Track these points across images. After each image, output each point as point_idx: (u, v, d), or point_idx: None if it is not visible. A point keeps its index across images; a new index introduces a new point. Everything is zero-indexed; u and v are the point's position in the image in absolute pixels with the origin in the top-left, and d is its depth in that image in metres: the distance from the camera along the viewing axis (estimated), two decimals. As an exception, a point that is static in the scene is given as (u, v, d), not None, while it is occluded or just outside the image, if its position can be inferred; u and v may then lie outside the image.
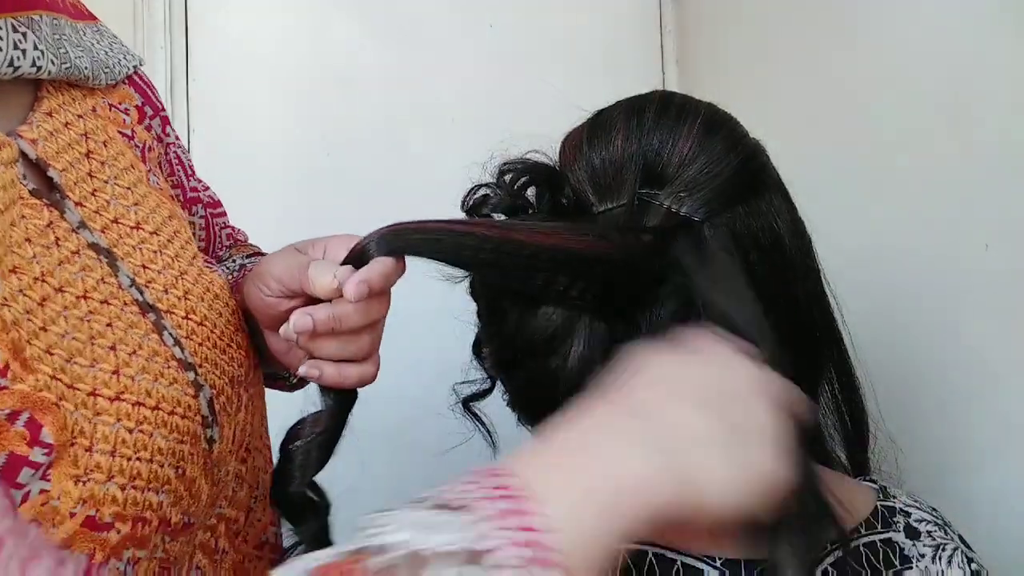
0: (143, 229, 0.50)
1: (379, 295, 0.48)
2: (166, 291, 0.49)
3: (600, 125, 0.54)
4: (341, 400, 0.51)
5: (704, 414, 0.37)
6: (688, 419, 0.36)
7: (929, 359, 0.88)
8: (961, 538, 0.55)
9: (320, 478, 0.51)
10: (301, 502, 0.50)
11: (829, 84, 1.08)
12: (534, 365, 0.50)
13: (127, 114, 0.56)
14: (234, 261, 0.67)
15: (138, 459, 0.41)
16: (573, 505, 0.33)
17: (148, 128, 0.59)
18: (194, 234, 0.64)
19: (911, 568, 0.52)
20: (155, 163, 0.58)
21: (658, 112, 0.53)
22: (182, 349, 0.47)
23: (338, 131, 1.49)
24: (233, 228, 0.73)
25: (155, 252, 0.50)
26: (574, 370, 0.49)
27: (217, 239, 0.68)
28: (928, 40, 0.90)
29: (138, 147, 0.55)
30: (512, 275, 0.48)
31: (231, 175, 1.52)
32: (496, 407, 0.56)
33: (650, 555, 0.47)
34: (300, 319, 0.47)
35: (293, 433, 0.51)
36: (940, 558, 0.53)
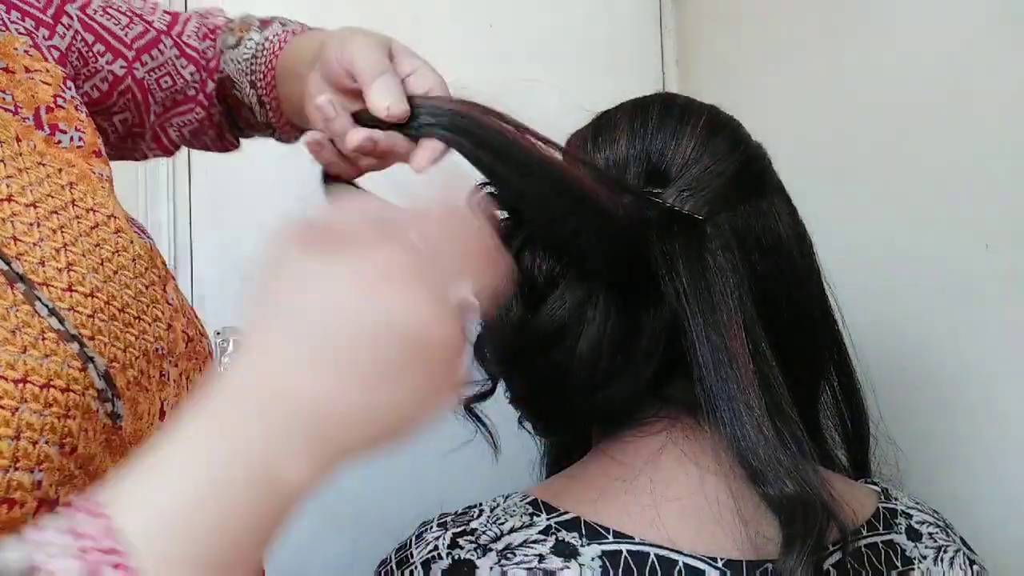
0: (15, 201, 0.48)
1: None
2: (42, 263, 0.46)
3: (604, 126, 0.54)
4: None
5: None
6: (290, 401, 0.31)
7: (929, 359, 0.88)
8: (963, 540, 0.56)
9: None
10: None
11: (829, 84, 1.08)
12: (538, 360, 0.51)
13: (7, 82, 0.54)
14: (254, 40, 0.68)
15: None
16: (151, 536, 0.29)
17: (58, 49, 0.57)
18: (172, 72, 0.66)
19: (913, 570, 0.52)
20: (71, 104, 0.56)
21: (661, 113, 0.53)
22: (61, 321, 0.45)
23: (338, 131, 1.48)
24: (208, 24, 0.73)
25: (31, 224, 0.47)
26: (581, 363, 0.49)
27: (184, 54, 0.69)
28: (928, 40, 0.90)
29: (26, 119, 0.53)
30: (534, 205, 0.49)
31: (231, 175, 1.53)
32: (497, 409, 0.56)
33: (652, 556, 0.47)
34: (357, 135, 0.49)
35: None
36: (942, 560, 0.53)
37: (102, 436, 0.45)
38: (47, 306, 0.45)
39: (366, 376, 0.31)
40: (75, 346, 0.45)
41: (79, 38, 0.61)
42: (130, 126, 0.68)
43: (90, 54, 0.62)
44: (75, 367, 0.44)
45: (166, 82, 0.68)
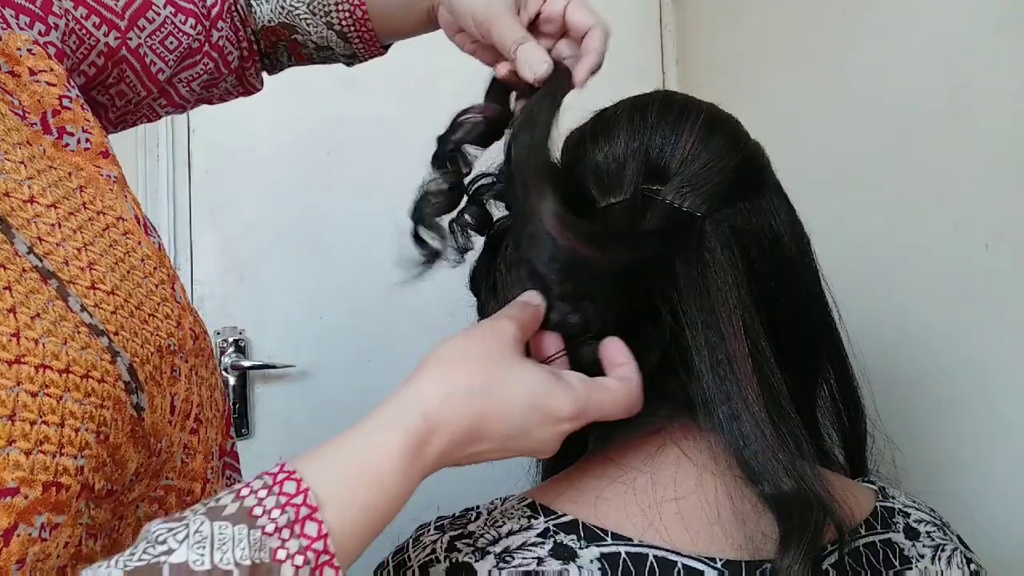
0: (38, 203, 0.49)
1: None
2: (67, 263, 0.48)
3: (603, 123, 0.54)
4: (503, 101, 0.59)
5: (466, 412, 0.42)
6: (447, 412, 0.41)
7: (928, 359, 0.88)
8: (960, 538, 0.56)
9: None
10: (449, 158, 0.58)
11: (828, 84, 1.08)
12: None
13: (14, 86, 0.54)
14: None
15: (44, 423, 0.41)
16: (344, 508, 0.37)
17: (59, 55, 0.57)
18: (173, 32, 0.66)
19: (911, 568, 0.52)
20: (77, 104, 0.56)
21: (660, 111, 0.53)
22: (90, 316, 0.47)
23: (338, 131, 1.49)
24: None
25: (52, 225, 0.49)
26: (580, 361, 0.49)
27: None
28: (928, 40, 0.90)
29: (33, 124, 0.54)
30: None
31: (231, 175, 1.53)
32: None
33: (651, 557, 0.47)
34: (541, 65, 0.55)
35: (465, 111, 0.59)
36: (939, 558, 0.53)
37: (128, 427, 0.46)
38: (78, 302, 0.47)
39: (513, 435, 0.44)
40: (104, 340, 0.47)
41: (71, 17, 0.60)
42: (130, 98, 0.68)
43: (84, 31, 0.61)
44: (106, 360, 0.46)
45: (171, 43, 0.67)
